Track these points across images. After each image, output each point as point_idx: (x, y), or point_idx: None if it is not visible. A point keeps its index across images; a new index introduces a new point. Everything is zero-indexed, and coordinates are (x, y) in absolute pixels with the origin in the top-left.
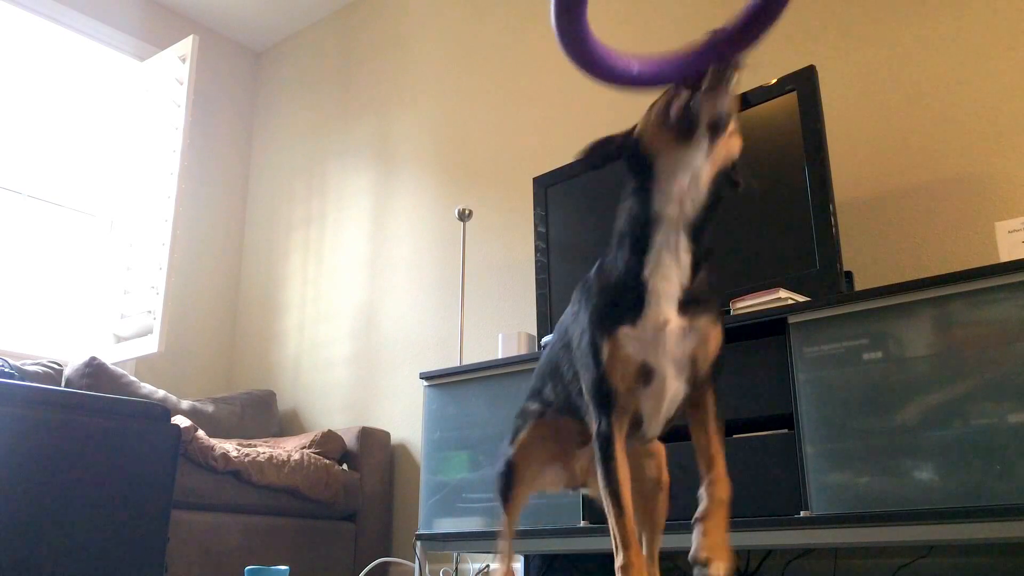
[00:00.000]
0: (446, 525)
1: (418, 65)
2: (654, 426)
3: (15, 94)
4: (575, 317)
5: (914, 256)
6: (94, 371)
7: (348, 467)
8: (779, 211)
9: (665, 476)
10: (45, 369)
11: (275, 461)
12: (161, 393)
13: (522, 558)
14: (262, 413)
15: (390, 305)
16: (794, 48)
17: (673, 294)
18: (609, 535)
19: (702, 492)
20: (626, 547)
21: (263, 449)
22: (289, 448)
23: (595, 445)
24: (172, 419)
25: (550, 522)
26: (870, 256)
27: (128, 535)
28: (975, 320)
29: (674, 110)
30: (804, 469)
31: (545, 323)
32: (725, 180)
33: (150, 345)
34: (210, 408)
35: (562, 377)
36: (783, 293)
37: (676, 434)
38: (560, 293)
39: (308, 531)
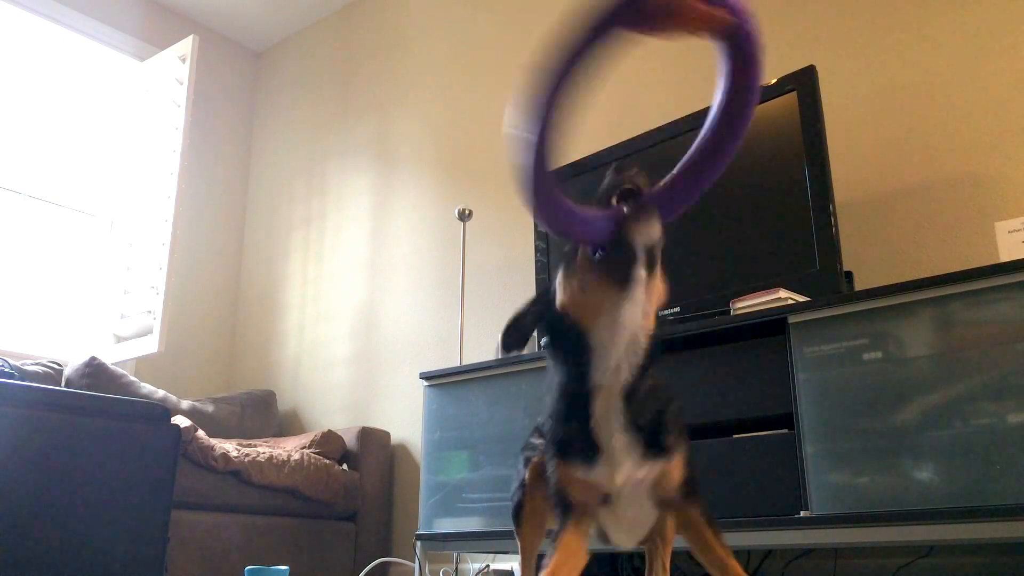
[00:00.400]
0: (446, 525)
1: (418, 65)
2: (622, 540)
3: (15, 94)
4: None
5: (914, 256)
6: (94, 371)
7: (348, 467)
8: (779, 211)
9: None
10: (45, 369)
11: (275, 461)
12: (161, 393)
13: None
14: (262, 413)
15: (390, 305)
16: (794, 48)
17: (623, 453)
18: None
19: None
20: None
21: (263, 449)
22: (289, 448)
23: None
24: (172, 419)
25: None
26: (870, 256)
27: (128, 535)
28: (975, 320)
29: (602, 253)
30: (804, 469)
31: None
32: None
33: (150, 345)
34: (210, 408)
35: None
36: (783, 293)
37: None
38: None
39: (308, 531)
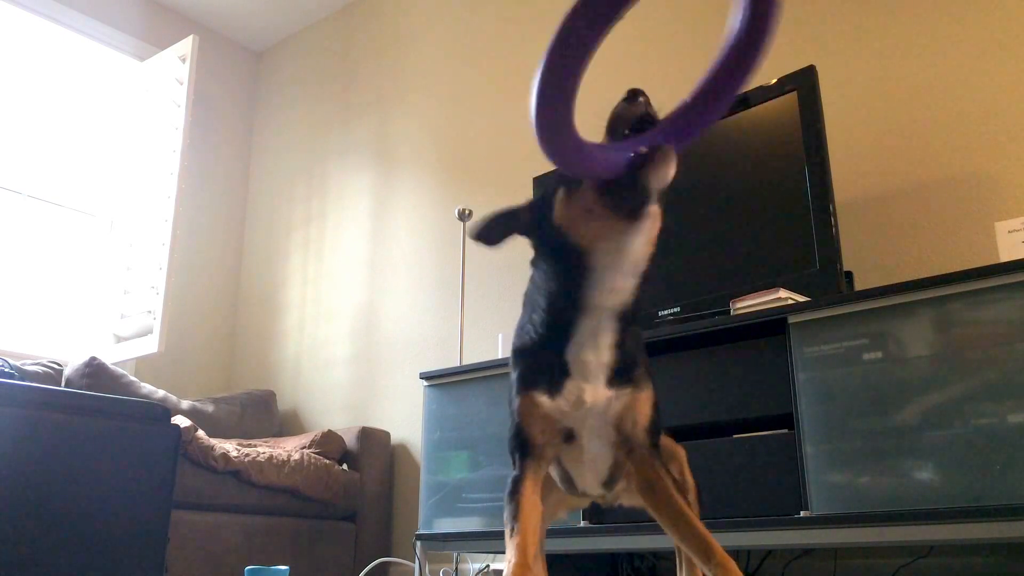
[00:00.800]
0: (446, 525)
1: (418, 65)
2: (586, 484)
3: (15, 94)
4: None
5: (914, 256)
6: (94, 371)
7: (348, 467)
8: (779, 211)
9: (690, 479)
10: (45, 369)
11: (275, 461)
12: (161, 393)
13: None
14: (262, 413)
15: (390, 305)
16: (794, 48)
17: (597, 372)
18: (610, 535)
19: None
20: (514, 560)
21: (263, 449)
22: (289, 448)
23: (507, 485)
24: (172, 419)
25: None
26: (870, 256)
27: (128, 535)
28: (975, 320)
29: (619, 190)
30: (804, 469)
31: None
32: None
33: (150, 345)
34: (210, 408)
35: None
36: (783, 293)
37: (692, 433)
38: None
39: (308, 531)
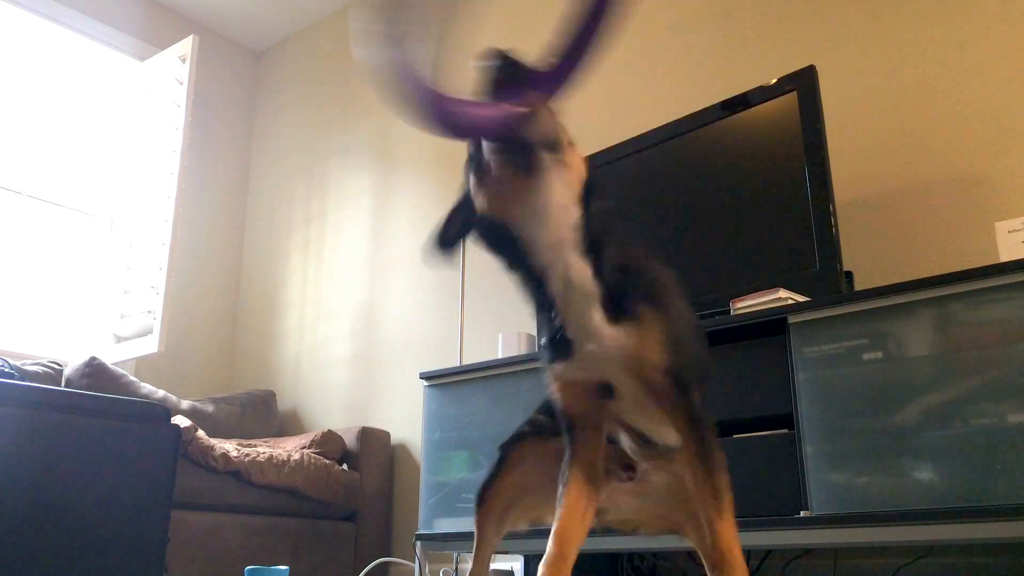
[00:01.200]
0: (446, 525)
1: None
2: (659, 435)
3: (15, 94)
4: None
5: (914, 256)
6: (94, 371)
7: (348, 467)
8: (779, 211)
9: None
10: (45, 369)
11: (275, 461)
12: (161, 393)
13: (522, 558)
14: (262, 413)
15: (390, 305)
16: (794, 48)
17: (589, 314)
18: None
19: None
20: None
21: (263, 449)
22: (289, 448)
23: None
24: (172, 419)
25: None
26: (870, 256)
27: (128, 535)
28: (975, 320)
29: (503, 146)
30: (804, 469)
31: None
32: (589, 194)
33: (150, 345)
34: (210, 408)
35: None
36: (783, 293)
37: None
38: None
39: (308, 531)
